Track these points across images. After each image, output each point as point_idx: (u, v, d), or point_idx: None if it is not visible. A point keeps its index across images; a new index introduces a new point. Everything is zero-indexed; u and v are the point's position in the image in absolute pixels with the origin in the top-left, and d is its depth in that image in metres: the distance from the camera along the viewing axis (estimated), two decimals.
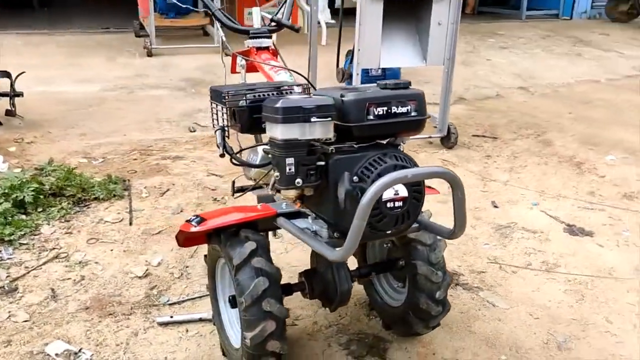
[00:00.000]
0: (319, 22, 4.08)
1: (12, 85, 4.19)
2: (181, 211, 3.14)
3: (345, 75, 4.36)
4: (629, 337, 2.27)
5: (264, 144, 1.72)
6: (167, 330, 2.24)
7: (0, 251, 2.68)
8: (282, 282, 1.86)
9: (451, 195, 1.51)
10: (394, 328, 2.21)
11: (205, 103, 5.08)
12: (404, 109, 1.58)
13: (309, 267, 2.08)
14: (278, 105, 1.46)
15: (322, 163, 1.53)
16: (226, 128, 1.79)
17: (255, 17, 2.36)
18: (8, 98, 4.20)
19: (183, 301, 2.42)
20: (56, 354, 2.08)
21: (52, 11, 9.37)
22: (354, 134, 1.55)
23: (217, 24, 2.32)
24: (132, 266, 2.64)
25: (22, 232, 2.82)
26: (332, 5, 4.54)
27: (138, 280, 2.55)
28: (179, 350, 2.14)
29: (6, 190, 2.98)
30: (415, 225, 1.71)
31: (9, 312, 2.30)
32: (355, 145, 1.58)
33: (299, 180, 1.51)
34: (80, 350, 2.11)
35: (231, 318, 2.06)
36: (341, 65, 4.49)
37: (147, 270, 2.61)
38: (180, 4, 5.45)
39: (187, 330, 2.24)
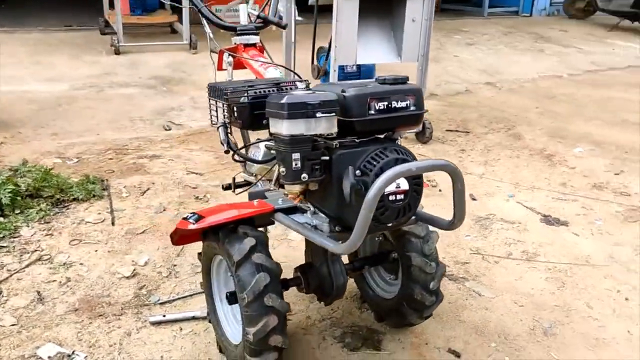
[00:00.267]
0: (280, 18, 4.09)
1: None
2: (164, 210, 3.11)
3: (320, 72, 4.39)
4: (610, 321, 2.37)
5: (265, 140, 1.73)
6: (161, 330, 2.23)
7: None
8: None
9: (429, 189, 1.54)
10: (387, 320, 2.25)
11: (177, 101, 5.05)
12: (403, 104, 1.61)
13: (297, 263, 2.09)
14: (283, 101, 1.47)
15: (327, 158, 1.55)
16: (228, 124, 1.78)
17: (242, 14, 2.36)
18: None
19: (174, 300, 2.40)
20: (49, 357, 2.05)
21: (10, 8, 9.08)
22: (356, 129, 1.58)
23: (204, 21, 2.31)
24: (118, 266, 2.61)
25: (1, 235, 2.75)
26: (304, 2, 4.55)
27: (126, 281, 2.52)
28: (174, 349, 2.13)
29: None
30: (412, 217, 1.75)
31: None
32: (356, 140, 1.61)
33: (304, 175, 1.53)
34: (73, 353, 2.08)
35: (228, 314, 2.06)
36: (317, 62, 4.51)
37: (134, 270, 2.58)
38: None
39: (180, 329, 2.23)
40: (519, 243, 2.95)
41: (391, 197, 1.57)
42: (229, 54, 2.30)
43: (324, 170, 1.57)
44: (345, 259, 2.16)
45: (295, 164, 1.50)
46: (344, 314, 2.35)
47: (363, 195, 1.50)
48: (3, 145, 3.90)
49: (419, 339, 2.22)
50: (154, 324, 2.25)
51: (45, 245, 2.74)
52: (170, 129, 4.42)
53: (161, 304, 2.38)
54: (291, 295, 2.26)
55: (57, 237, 2.82)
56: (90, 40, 6.88)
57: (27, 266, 2.58)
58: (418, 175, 1.61)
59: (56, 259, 2.64)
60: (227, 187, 2.40)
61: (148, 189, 3.35)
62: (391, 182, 1.43)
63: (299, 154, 1.49)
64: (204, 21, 2.31)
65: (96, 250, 2.72)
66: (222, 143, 1.72)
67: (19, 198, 3.01)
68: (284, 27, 2.44)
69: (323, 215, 1.73)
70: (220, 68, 2.44)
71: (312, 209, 1.78)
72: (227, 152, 1.76)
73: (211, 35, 2.31)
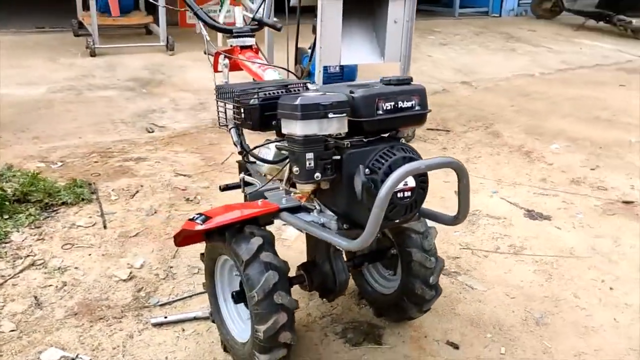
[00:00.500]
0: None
1: None
2: (155, 212, 3.11)
3: (304, 73, 4.42)
4: (596, 310, 2.47)
5: (275, 141, 1.77)
6: (163, 331, 2.24)
7: None
8: None
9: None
10: (386, 314, 2.30)
11: (158, 103, 5.03)
12: (409, 104, 1.67)
13: (292, 262, 2.11)
14: (297, 102, 1.51)
15: (337, 157, 1.59)
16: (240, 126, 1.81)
17: (238, 16, 2.39)
18: None
19: (173, 301, 2.42)
20: None
21: None
22: (364, 129, 1.63)
23: (200, 23, 2.33)
24: (114, 270, 2.60)
25: None
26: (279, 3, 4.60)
27: (123, 284, 2.52)
28: (178, 350, 2.14)
29: None
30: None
31: None
32: (364, 139, 1.65)
33: (317, 175, 1.57)
34: (77, 356, 2.08)
35: (232, 314, 2.08)
36: (300, 63, 4.55)
37: (130, 273, 2.58)
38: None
39: (183, 330, 2.25)
40: (505, 237, 3.04)
41: (399, 194, 1.62)
42: (225, 56, 2.33)
43: (334, 169, 1.61)
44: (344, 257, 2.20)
45: (309, 164, 1.54)
46: (344, 310, 2.39)
47: (373, 192, 1.55)
48: None
49: (418, 332, 2.28)
50: (155, 325, 2.26)
51: (38, 250, 2.72)
52: (153, 131, 4.40)
53: (161, 305, 2.39)
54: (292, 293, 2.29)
55: (48, 241, 2.79)
56: (64, 42, 6.79)
57: (21, 271, 2.55)
58: (424, 172, 1.66)
59: (50, 263, 2.62)
60: (224, 188, 2.43)
61: (137, 191, 3.34)
62: (403, 179, 1.49)
63: (312, 153, 1.53)
64: (200, 24, 2.32)
65: (90, 254, 2.71)
66: (235, 144, 1.74)
67: (7, 203, 2.97)
68: (278, 29, 2.48)
69: (330, 214, 1.77)
70: (215, 70, 2.46)
71: (317, 207, 1.82)
72: (240, 153, 1.79)
73: (207, 38, 2.33)
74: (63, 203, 3.11)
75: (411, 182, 1.64)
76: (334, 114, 1.53)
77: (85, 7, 6.71)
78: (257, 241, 1.81)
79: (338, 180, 1.63)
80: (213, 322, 2.16)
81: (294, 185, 1.77)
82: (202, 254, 2.14)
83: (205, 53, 2.45)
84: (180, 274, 2.60)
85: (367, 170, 1.60)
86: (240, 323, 2.07)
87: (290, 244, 2.83)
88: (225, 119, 1.81)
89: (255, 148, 1.80)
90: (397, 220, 1.69)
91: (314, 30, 4.46)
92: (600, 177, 3.86)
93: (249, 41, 2.36)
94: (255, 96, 1.68)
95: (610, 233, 3.11)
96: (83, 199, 3.17)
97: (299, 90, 1.77)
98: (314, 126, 1.52)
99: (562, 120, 5.17)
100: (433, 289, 2.10)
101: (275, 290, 1.77)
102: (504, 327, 2.33)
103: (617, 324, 2.37)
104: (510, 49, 8.39)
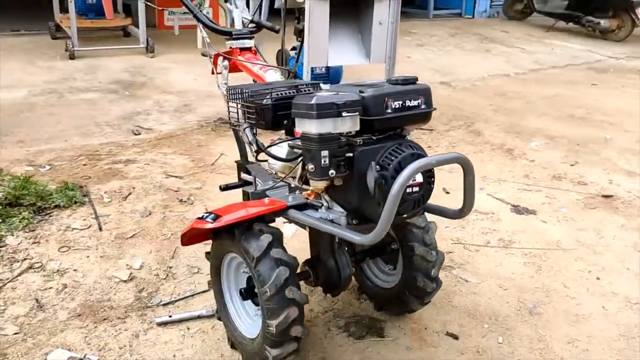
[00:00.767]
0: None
1: None
2: (150, 214, 3.12)
3: (290, 74, 4.47)
4: (585, 299, 2.57)
5: (288, 140, 1.81)
6: (168, 330, 2.26)
7: None
8: None
9: None
10: (387, 308, 2.36)
11: (142, 105, 5.02)
12: (415, 102, 1.73)
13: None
14: (313, 102, 1.56)
15: (350, 155, 1.65)
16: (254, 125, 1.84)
17: (237, 19, 2.42)
18: None
19: (176, 300, 2.44)
20: None
21: None
22: (374, 127, 1.68)
23: (200, 25, 2.36)
24: (113, 271, 2.61)
25: None
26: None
27: (124, 284, 2.53)
28: (185, 348, 2.17)
29: None
30: None
31: None
32: (373, 137, 1.71)
33: (332, 172, 1.62)
34: (85, 357, 2.09)
35: (240, 310, 2.12)
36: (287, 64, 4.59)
37: (130, 274, 2.60)
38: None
39: (188, 328, 2.27)
40: (494, 232, 3.13)
41: (408, 190, 1.68)
42: (225, 58, 2.36)
43: (347, 166, 1.66)
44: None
45: (324, 161, 1.59)
46: (345, 305, 2.45)
47: (384, 188, 1.61)
48: None
49: (418, 324, 2.35)
50: (160, 324, 2.28)
51: (34, 253, 2.71)
52: (139, 134, 4.39)
53: (164, 305, 2.41)
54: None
55: (44, 244, 2.78)
56: (42, 45, 6.70)
57: (19, 275, 2.55)
58: (430, 168, 1.73)
59: (48, 266, 2.62)
60: (224, 188, 2.46)
61: (130, 193, 3.34)
62: (415, 174, 1.55)
63: (327, 151, 1.59)
64: (200, 26, 2.35)
65: (88, 256, 2.71)
66: (250, 143, 1.78)
67: None
68: (277, 31, 2.52)
69: (339, 210, 1.82)
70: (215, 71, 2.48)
71: (325, 204, 1.87)
72: (257, 151, 1.83)
73: (207, 40, 2.36)
74: (56, 206, 3.10)
75: (419, 177, 1.70)
76: (348, 112, 1.58)
77: (63, 9, 6.64)
78: (267, 238, 1.85)
79: (349, 176, 1.69)
80: (219, 319, 2.20)
81: (306, 183, 1.82)
82: (207, 253, 2.17)
83: (203, 55, 2.48)
84: (180, 274, 2.62)
85: (377, 166, 1.66)
86: (247, 319, 2.11)
87: (286, 242, 2.86)
88: (238, 119, 1.85)
89: (269, 147, 1.84)
90: (405, 215, 1.76)
91: (297, 33, 4.52)
92: (579, 173, 4.00)
93: (249, 43, 2.40)
94: (269, 96, 1.72)
95: (593, 226, 3.23)
96: (76, 202, 3.16)
97: (309, 90, 1.82)
98: (328, 125, 1.58)
99: (539, 119, 5.32)
100: (434, 281, 2.17)
101: (287, 285, 1.82)
102: (500, 318, 2.42)
103: (606, 312, 2.48)
104: (485, 49, 8.57)
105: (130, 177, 3.56)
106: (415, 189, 1.70)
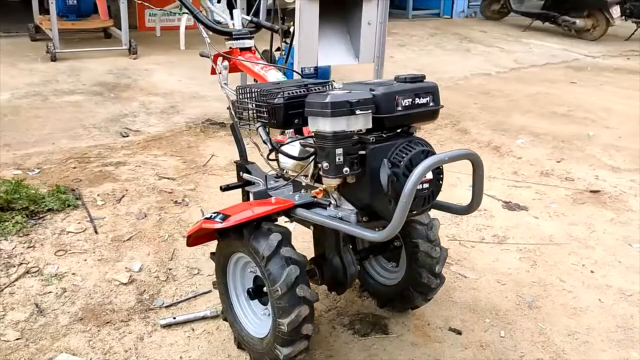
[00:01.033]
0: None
1: None
2: (145, 216, 3.09)
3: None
4: (581, 292, 2.63)
5: (300, 138, 1.82)
6: (173, 332, 2.25)
7: None
8: None
9: None
10: (390, 305, 2.38)
11: (128, 107, 4.97)
12: (424, 100, 1.76)
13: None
14: (327, 100, 1.57)
15: (363, 152, 1.66)
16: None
17: (237, 19, 2.42)
18: None
19: (178, 302, 2.43)
20: None
21: None
22: (385, 124, 1.70)
23: (200, 26, 2.35)
24: (112, 274, 2.59)
25: None
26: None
27: (124, 287, 2.51)
28: (191, 349, 2.16)
29: None
30: None
31: None
32: (383, 135, 1.73)
33: (346, 169, 1.63)
34: None
35: (246, 310, 2.12)
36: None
37: (130, 276, 2.57)
38: None
39: (192, 330, 2.26)
40: (488, 228, 3.18)
41: (419, 187, 1.70)
42: (225, 58, 2.36)
43: (359, 163, 1.68)
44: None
45: (339, 159, 1.60)
46: (347, 303, 2.46)
47: (396, 185, 1.63)
48: None
49: (421, 320, 2.38)
50: (164, 326, 2.27)
51: (30, 257, 2.67)
52: (127, 136, 4.35)
53: (167, 307, 2.40)
54: None
55: (40, 248, 2.75)
56: (21, 47, 6.59)
57: (16, 280, 2.51)
58: (439, 165, 1.75)
59: (45, 270, 2.58)
60: (225, 189, 2.46)
61: (123, 195, 3.31)
62: (429, 171, 1.57)
63: (341, 149, 1.60)
64: (200, 26, 2.35)
65: (85, 260, 2.68)
66: (264, 142, 1.78)
67: None
68: (276, 31, 2.53)
69: (348, 207, 1.83)
70: (213, 73, 2.48)
71: (333, 202, 1.88)
72: (272, 151, 1.83)
73: (208, 40, 2.35)
74: (49, 210, 3.05)
75: (429, 174, 1.72)
76: (361, 110, 1.60)
77: (43, 11, 6.54)
78: (276, 237, 1.85)
79: (361, 174, 1.70)
80: (225, 320, 2.19)
81: (317, 181, 1.82)
82: (212, 253, 2.16)
83: (202, 55, 2.47)
84: (180, 276, 2.61)
85: (388, 164, 1.68)
86: (254, 319, 2.11)
87: None
88: (248, 118, 1.85)
89: (282, 145, 1.85)
90: (415, 212, 1.78)
91: (281, 34, 4.52)
92: (566, 169, 4.07)
93: (249, 43, 2.40)
94: (280, 95, 1.73)
95: (583, 220, 3.30)
96: (69, 205, 3.12)
97: (318, 89, 1.83)
98: (342, 123, 1.59)
99: (523, 117, 5.40)
100: (438, 277, 2.20)
101: (297, 283, 1.82)
102: (500, 312, 2.46)
103: (602, 304, 2.53)
104: (465, 49, 8.67)
105: (122, 180, 3.53)
106: (426, 185, 1.72)
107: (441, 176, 1.78)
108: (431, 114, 1.80)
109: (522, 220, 3.29)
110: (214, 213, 1.93)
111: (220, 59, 2.40)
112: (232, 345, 2.17)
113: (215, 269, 2.17)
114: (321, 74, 4.58)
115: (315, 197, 1.91)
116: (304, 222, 2.10)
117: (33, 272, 2.57)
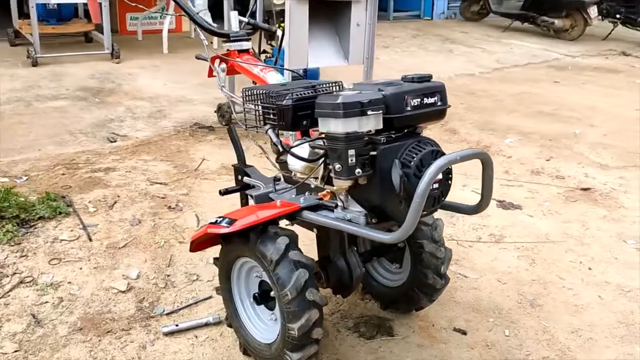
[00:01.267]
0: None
1: None
2: (139, 222, 3.04)
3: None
4: (581, 289, 2.65)
5: (310, 140, 1.80)
6: (176, 339, 2.21)
7: None
8: None
9: None
10: (394, 307, 2.37)
11: (114, 112, 4.90)
12: (432, 100, 1.75)
13: None
14: (339, 101, 1.55)
15: (373, 153, 1.65)
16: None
17: (234, 21, 2.39)
18: None
19: (180, 309, 2.38)
20: None
21: None
22: (394, 125, 1.69)
23: (198, 28, 2.31)
24: (109, 282, 2.54)
25: None
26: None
27: (123, 295, 2.46)
28: (195, 357, 2.13)
29: None
30: None
31: None
32: (392, 135, 1.72)
33: (358, 170, 1.61)
34: None
35: (252, 316, 2.09)
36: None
37: (128, 284, 2.52)
38: None
39: (196, 337, 2.23)
40: (484, 227, 3.19)
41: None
42: (222, 60, 2.33)
43: (370, 164, 1.66)
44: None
45: (351, 160, 1.58)
46: (350, 306, 2.45)
47: (407, 186, 1.62)
48: None
49: (425, 321, 2.37)
50: (167, 334, 2.23)
51: (23, 267, 2.60)
52: (115, 141, 4.28)
53: (168, 314, 2.35)
54: None
55: (33, 257, 2.68)
56: (0, 53, 6.45)
57: (10, 290, 2.44)
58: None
59: (40, 280, 2.52)
60: (224, 192, 2.43)
61: (115, 202, 3.25)
62: (441, 170, 1.56)
63: (354, 150, 1.58)
64: (198, 29, 2.31)
65: (81, 268, 2.63)
66: (274, 144, 1.76)
67: None
68: (273, 32, 2.50)
69: (357, 209, 1.82)
70: (210, 75, 2.44)
71: (340, 204, 1.86)
72: (281, 153, 1.81)
73: (206, 42, 2.31)
74: (40, 217, 2.98)
75: (439, 174, 1.71)
76: (372, 111, 1.58)
77: (22, 15, 6.42)
78: (284, 240, 1.83)
79: (371, 175, 1.68)
80: (229, 326, 2.16)
81: (328, 182, 1.80)
82: (215, 259, 2.13)
83: (198, 58, 2.43)
84: (179, 282, 2.56)
85: (399, 164, 1.66)
86: (260, 325, 2.08)
87: None
88: (257, 120, 1.82)
89: (292, 147, 1.82)
90: (425, 212, 1.76)
91: (267, 36, 4.49)
92: (556, 167, 4.11)
93: (246, 45, 2.37)
94: (289, 97, 1.71)
95: (577, 218, 3.33)
96: (60, 212, 3.05)
97: (325, 90, 1.81)
98: (354, 123, 1.57)
99: (510, 116, 5.44)
100: (443, 278, 2.19)
101: (307, 287, 1.80)
102: (503, 311, 2.46)
103: (602, 301, 2.55)
104: (448, 50, 8.72)
105: (113, 185, 3.46)
106: (436, 185, 1.71)
107: (450, 176, 1.78)
108: (439, 114, 1.80)
109: (517, 219, 3.30)
110: (219, 217, 1.90)
111: (217, 61, 2.37)
112: (237, 351, 2.14)
113: (218, 274, 2.14)
114: (310, 76, 4.56)
115: (321, 199, 1.89)
116: (308, 225, 2.08)
117: (27, 282, 2.50)
